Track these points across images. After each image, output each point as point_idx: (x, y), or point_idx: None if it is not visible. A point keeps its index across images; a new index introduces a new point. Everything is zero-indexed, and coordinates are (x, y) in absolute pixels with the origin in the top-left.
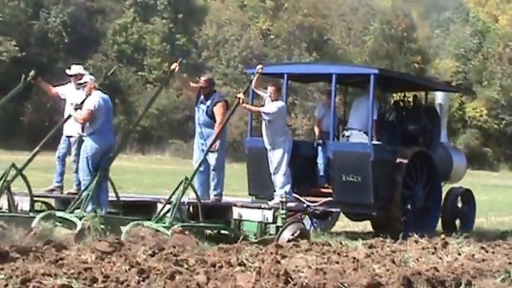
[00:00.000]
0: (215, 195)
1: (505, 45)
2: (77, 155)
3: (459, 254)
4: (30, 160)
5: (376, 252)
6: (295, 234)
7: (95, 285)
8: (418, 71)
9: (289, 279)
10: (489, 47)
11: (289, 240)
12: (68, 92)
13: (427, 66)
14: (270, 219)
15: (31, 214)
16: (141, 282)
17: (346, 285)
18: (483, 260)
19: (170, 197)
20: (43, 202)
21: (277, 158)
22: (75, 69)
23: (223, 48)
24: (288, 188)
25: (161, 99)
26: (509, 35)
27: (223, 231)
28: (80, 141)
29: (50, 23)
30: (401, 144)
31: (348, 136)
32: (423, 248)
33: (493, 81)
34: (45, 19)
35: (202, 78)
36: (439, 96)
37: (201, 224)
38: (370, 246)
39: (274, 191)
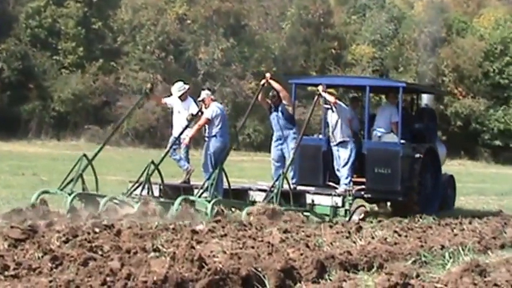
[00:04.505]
0: (293, 184)
1: (420, 31)
2: (187, 151)
3: (372, 238)
4: (164, 157)
5: (291, 237)
6: (362, 216)
7: (6, 272)
8: (335, 56)
9: (204, 264)
10: (405, 33)
11: (358, 221)
12: (174, 103)
13: (344, 52)
14: (340, 204)
15: (161, 199)
16: (54, 270)
17: (260, 269)
18: (395, 244)
19: (272, 186)
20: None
21: (345, 154)
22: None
23: (139, 33)
24: (350, 179)
25: (77, 84)
26: (424, 21)
27: (305, 213)
28: (189, 141)
29: None
30: (411, 141)
31: (379, 136)
32: (337, 233)
33: (409, 67)
34: None
35: (271, 94)
36: (425, 98)
37: (293, 208)
38: (285, 231)
39: (335, 182)
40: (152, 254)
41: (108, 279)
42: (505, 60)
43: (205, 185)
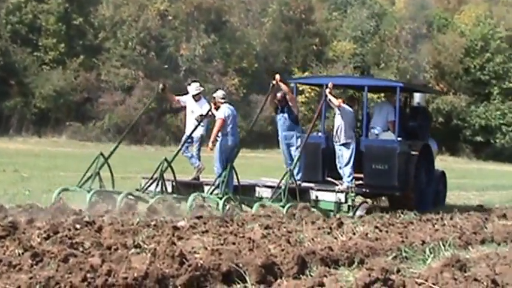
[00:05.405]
0: (298, 180)
1: (401, 27)
2: (199, 149)
3: (354, 234)
4: (176, 155)
5: (272, 233)
6: (365, 212)
7: None
8: (317, 53)
9: (185, 260)
10: (386, 29)
11: (361, 216)
12: (188, 101)
13: (325, 48)
14: (343, 200)
15: (174, 195)
16: (34, 266)
17: (241, 265)
18: (376, 239)
19: (279, 183)
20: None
21: (347, 153)
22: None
23: (120, 29)
24: (352, 176)
25: (59, 80)
26: (405, 17)
27: (312, 209)
28: (201, 140)
29: None
30: (405, 138)
31: (377, 134)
32: (319, 228)
33: (390, 64)
34: None
35: (278, 94)
36: (417, 96)
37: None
38: (267, 227)
39: (335, 178)
40: (133, 250)
41: (88, 275)
42: (485, 56)
43: (217, 182)
